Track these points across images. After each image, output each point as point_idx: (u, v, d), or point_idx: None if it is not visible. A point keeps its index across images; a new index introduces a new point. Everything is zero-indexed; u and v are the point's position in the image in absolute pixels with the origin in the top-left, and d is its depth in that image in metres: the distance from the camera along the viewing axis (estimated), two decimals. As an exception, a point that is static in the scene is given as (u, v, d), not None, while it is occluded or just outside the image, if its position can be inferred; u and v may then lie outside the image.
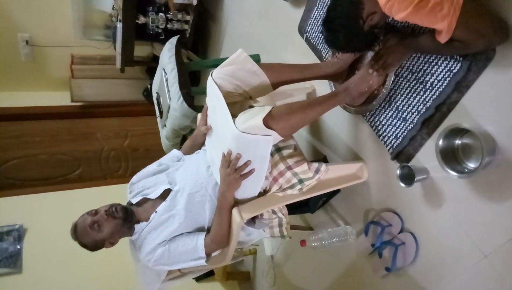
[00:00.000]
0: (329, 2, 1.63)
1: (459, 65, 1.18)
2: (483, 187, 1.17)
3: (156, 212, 1.43)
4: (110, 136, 3.74)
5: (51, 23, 3.21)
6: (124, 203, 1.51)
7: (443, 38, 1.03)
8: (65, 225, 1.46)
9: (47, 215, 2.84)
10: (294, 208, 1.79)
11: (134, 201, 1.49)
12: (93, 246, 1.41)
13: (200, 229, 1.45)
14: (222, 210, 1.35)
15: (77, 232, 1.40)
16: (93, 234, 1.38)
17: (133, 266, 1.57)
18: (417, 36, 1.23)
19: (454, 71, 1.20)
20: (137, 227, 1.44)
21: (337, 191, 1.82)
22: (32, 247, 2.66)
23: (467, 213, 1.23)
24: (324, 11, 1.69)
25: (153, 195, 1.47)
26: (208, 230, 1.44)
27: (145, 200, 1.48)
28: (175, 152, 1.65)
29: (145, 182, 1.53)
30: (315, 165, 1.41)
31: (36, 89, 3.52)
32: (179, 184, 1.46)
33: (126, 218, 1.42)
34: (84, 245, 1.41)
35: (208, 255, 1.42)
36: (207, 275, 2.80)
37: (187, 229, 1.43)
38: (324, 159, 1.87)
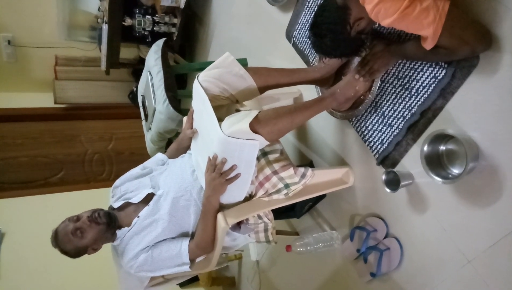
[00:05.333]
0: (316, 8, 1.64)
1: (444, 71, 1.19)
2: (467, 192, 1.18)
3: (138, 217, 1.40)
4: (94, 139, 3.68)
5: (35, 23, 3.15)
6: (107, 208, 1.48)
7: (428, 45, 1.04)
8: (46, 230, 1.42)
9: (27, 220, 2.76)
10: (280, 213, 1.77)
11: (116, 205, 1.46)
12: (75, 253, 1.38)
13: (184, 234, 1.42)
14: (207, 215, 1.33)
15: (58, 239, 1.36)
16: (75, 241, 1.34)
17: (115, 272, 1.53)
18: (403, 43, 1.24)
19: (439, 77, 1.21)
20: (119, 232, 1.40)
21: (323, 196, 1.82)
22: (10, 252, 2.59)
23: (451, 218, 1.24)
24: (312, 16, 1.70)
25: (136, 199, 1.43)
26: (192, 235, 1.42)
27: (127, 205, 1.45)
28: (159, 156, 1.62)
29: (128, 186, 1.50)
30: (301, 170, 1.40)
31: (18, 90, 3.44)
32: (163, 188, 1.43)
33: (110, 224, 1.38)
34: (65, 252, 1.37)
35: (192, 260, 1.39)
36: (192, 281, 2.76)
37: (170, 234, 1.40)
38: (310, 164, 1.87)
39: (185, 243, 1.37)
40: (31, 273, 2.55)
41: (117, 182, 1.55)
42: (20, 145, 3.40)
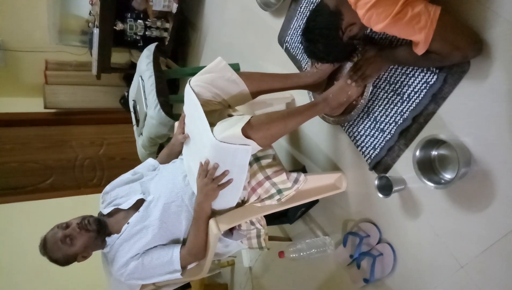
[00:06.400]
0: (308, 13, 1.64)
1: (435, 77, 1.20)
2: (459, 198, 1.18)
3: (128, 223, 1.37)
4: (85, 144, 3.64)
5: (25, 27, 3.12)
6: (97, 214, 1.45)
7: (420, 50, 1.05)
8: (35, 237, 1.39)
9: (15, 227, 2.72)
10: (272, 219, 1.76)
11: (105, 211, 1.43)
12: (65, 261, 1.35)
13: (175, 241, 1.40)
14: (198, 221, 1.31)
15: (46, 247, 1.33)
16: (64, 249, 1.32)
17: (105, 280, 1.50)
18: (395, 48, 1.24)
19: (430, 83, 1.21)
20: (109, 239, 1.38)
21: (316, 201, 1.81)
22: (-3, 260, 2.54)
23: (444, 223, 1.24)
24: (304, 21, 1.70)
25: (125, 205, 1.41)
26: (184, 242, 1.40)
27: (117, 211, 1.43)
28: (151, 161, 1.60)
29: (118, 192, 1.47)
30: (294, 175, 1.39)
31: (7, 95, 3.40)
32: (153, 193, 1.41)
33: (100, 230, 1.36)
34: (54, 260, 1.34)
35: (184, 268, 1.37)
36: (184, 288, 2.72)
37: (161, 241, 1.38)
38: (303, 169, 1.87)
39: (176, 250, 1.35)
40: (19, 281, 2.50)
41: (107, 187, 1.52)
42: (9, 150, 3.36)
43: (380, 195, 1.32)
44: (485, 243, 1.12)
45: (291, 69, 1.83)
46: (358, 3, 1.01)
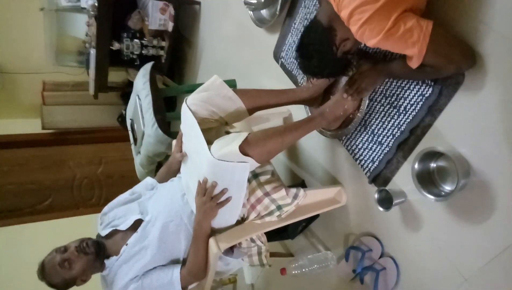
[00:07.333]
0: (302, 29, 1.66)
1: (430, 89, 1.20)
2: (460, 209, 1.17)
3: (126, 244, 1.36)
4: (83, 163, 3.62)
5: (22, 49, 3.14)
6: (95, 235, 1.44)
7: (414, 64, 1.05)
8: (34, 261, 1.37)
9: (13, 251, 2.67)
10: (273, 235, 1.74)
11: (103, 233, 1.42)
12: (64, 285, 1.33)
13: (175, 261, 1.38)
14: (198, 240, 1.30)
15: (45, 272, 1.31)
16: (63, 273, 1.30)
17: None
18: (389, 62, 1.25)
19: (426, 95, 1.22)
20: (108, 262, 1.36)
21: (316, 216, 1.80)
22: (-5, 285, 2.50)
23: (445, 236, 1.23)
24: (298, 37, 1.71)
25: (123, 226, 1.40)
26: (183, 262, 1.38)
27: (115, 232, 1.41)
28: (149, 180, 1.59)
29: (116, 212, 1.46)
30: (293, 190, 1.38)
31: (5, 117, 3.40)
32: (151, 213, 1.40)
33: (99, 253, 1.35)
34: (53, 285, 1.33)
35: (184, 288, 1.35)
36: (185, 307, 2.68)
37: (161, 262, 1.36)
38: (302, 184, 1.86)
39: (176, 270, 1.33)
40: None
41: (105, 209, 1.51)
42: (7, 172, 3.33)
43: (381, 209, 1.31)
44: (488, 255, 1.11)
45: (287, 84, 1.84)
46: (350, 19, 1.02)
